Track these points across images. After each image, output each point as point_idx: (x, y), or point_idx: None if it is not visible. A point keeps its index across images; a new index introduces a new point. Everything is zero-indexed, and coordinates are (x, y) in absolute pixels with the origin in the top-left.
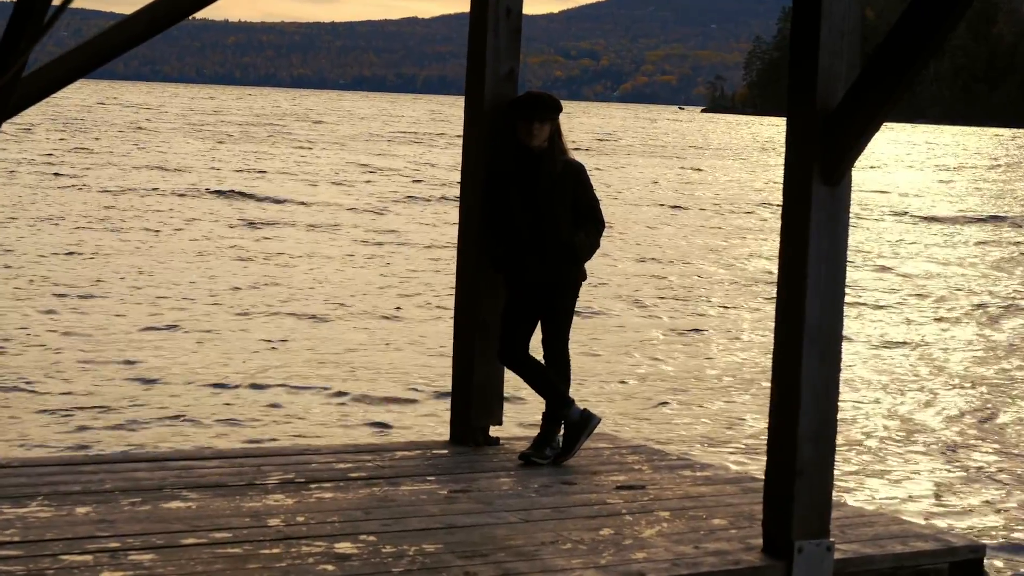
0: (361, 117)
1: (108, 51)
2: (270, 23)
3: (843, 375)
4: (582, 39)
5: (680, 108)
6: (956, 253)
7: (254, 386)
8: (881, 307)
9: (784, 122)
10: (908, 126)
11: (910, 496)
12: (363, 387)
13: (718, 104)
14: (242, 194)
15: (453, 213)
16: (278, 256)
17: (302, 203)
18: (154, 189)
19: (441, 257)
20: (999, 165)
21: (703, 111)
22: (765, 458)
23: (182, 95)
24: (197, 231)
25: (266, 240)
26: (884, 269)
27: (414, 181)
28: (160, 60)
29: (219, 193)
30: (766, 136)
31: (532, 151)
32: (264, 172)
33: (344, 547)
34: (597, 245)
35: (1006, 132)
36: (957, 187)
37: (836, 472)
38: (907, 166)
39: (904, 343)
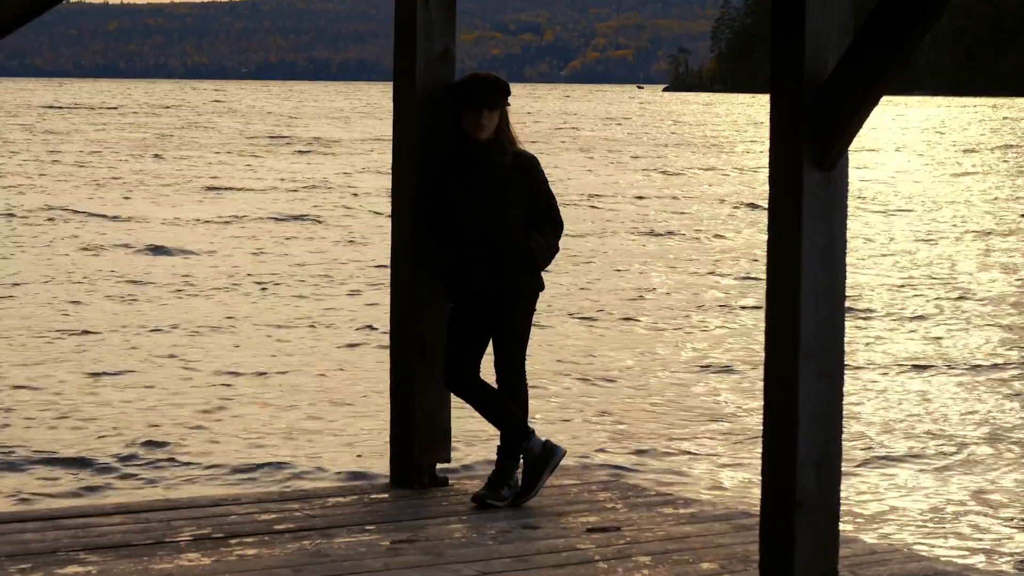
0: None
1: None
2: (157, 5)
3: (846, 391)
4: (522, 11)
5: (639, 87)
6: (973, 248)
7: (157, 426)
8: (889, 313)
9: (763, 99)
10: (904, 99)
11: (930, 528)
12: (286, 423)
13: (682, 81)
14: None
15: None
16: (178, 269)
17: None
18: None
19: (371, 267)
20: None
21: (665, 90)
22: (759, 490)
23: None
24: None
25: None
26: (891, 268)
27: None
28: (31, 51)
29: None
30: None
31: (477, 142)
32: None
33: None
34: (555, 249)
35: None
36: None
37: (843, 503)
38: (915, 147)
39: (917, 353)
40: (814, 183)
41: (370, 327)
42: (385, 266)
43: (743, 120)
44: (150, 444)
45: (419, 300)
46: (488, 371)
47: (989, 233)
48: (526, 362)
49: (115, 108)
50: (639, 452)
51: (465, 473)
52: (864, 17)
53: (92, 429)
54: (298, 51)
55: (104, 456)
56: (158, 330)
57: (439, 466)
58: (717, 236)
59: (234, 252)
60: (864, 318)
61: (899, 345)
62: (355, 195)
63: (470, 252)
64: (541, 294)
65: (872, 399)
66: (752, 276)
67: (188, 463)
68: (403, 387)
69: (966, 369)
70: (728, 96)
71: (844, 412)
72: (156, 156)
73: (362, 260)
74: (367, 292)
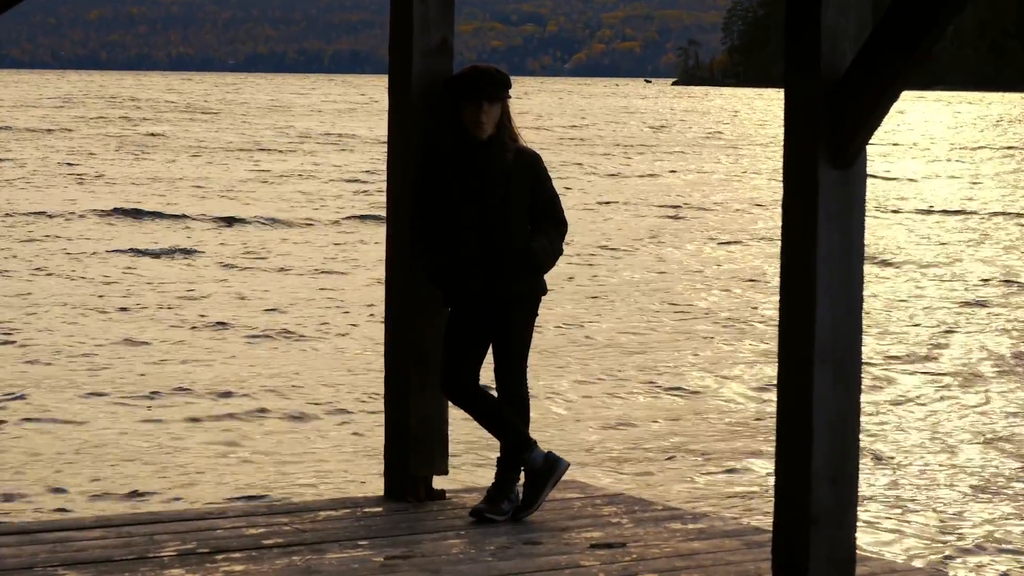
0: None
1: None
2: None
3: (863, 400)
4: (523, 0)
5: (648, 81)
6: (996, 252)
7: (139, 433)
8: (908, 316)
9: (777, 94)
10: (925, 95)
11: (953, 545)
12: (275, 431)
13: (692, 75)
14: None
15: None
16: (175, 270)
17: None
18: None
19: (370, 269)
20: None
21: (674, 83)
22: (772, 504)
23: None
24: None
25: (172, 259)
26: (909, 268)
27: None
28: (7, 42)
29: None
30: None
31: (477, 138)
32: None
33: None
34: (560, 251)
35: None
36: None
37: (860, 519)
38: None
39: (938, 360)
40: (830, 182)
41: (365, 332)
42: (379, 282)
43: (771, 116)
44: (134, 454)
45: (415, 304)
46: (488, 378)
47: None
48: (528, 370)
49: (113, 99)
50: (645, 465)
51: (463, 486)
52: (883, 7)
53: (75, 438)
54: (288, 41)
55: (84, 469)
56: (148, 340)
57: (435, 478)
58: (727, 237)
59: (233, 255)
60: (883, 323)
61: (921, 353)
62: (355, 194)
63: (469, 253)
64: (544, 298)
65: (891, 409)
66: (768, 278)
67: (172, 475)
68: (398, 395)
69: (994, 382)
70: (744, 91)
71: (861, 422)
72: (143, 153)
73: (362, 260)
74: (365, 295)
